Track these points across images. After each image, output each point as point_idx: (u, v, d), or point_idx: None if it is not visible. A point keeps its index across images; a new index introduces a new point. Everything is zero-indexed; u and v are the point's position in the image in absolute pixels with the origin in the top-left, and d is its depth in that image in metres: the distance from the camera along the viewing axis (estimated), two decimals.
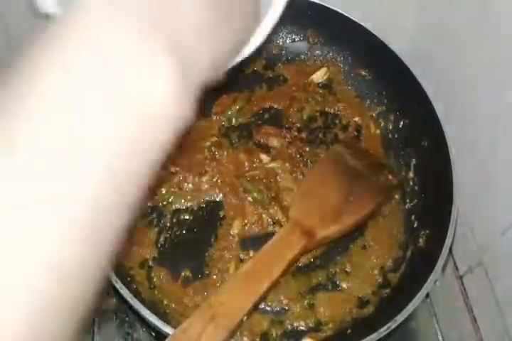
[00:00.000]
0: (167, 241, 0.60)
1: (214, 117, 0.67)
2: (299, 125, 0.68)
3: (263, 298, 0.54)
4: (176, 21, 0.26)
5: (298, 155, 0.65)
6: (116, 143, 0.23)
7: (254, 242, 0.60)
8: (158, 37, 0.24)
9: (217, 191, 0.62)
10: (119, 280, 0.50)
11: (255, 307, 0.54)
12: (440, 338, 0.66)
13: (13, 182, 0.21)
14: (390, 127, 0.68)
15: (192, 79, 0.26)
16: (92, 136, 0.22)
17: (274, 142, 0.65)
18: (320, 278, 0.59)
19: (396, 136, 0.67)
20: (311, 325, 0.57)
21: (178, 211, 0.61)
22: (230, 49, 0.31)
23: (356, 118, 0.69)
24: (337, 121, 0.69)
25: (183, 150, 0.60)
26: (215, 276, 0.58)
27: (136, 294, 0.51)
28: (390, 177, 0.65)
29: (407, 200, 0.64)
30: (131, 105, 0.23)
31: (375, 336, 0.50)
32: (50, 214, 0.21)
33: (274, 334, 0.56)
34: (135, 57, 0.23)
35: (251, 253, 0.59)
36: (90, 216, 0.22)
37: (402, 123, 0.67)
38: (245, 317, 0.51)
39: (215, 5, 0.28)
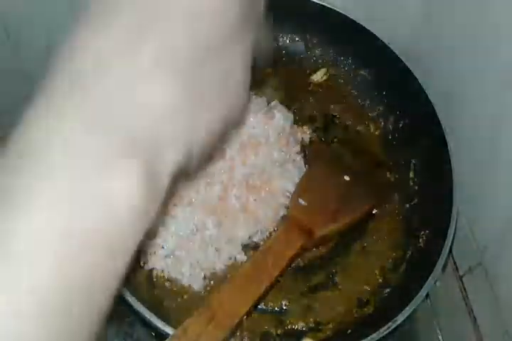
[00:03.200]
0: None
1: None
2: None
3: (263, 297, 0.54)
4: (132, 117, 0.25)
5: None
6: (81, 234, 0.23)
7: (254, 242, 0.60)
8: (113, 140, 0.24)
9: None
10: None
11: (255, 307, 0.54)
12: (440, 338, 0.66)
13: None
14: (390, 127, 0.68)
15: (159, 174, 0.26)
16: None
17: None
18: (320, 278, 0.59)
19: (396, 136, 0.67)
20: (311, 325, 0.57)
21: None
22: (209, 137, 0.30)
23: (356, 118, 0.69)
24: (337, 121, 0.69)
25: None
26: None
27: (136, 294, 0.51)
28: (388, 175, 0.66)
29: (407, 200, 0.64)
30: (99, 204, 0.24)
31: (375, 336, 0.50)
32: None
33: (274, 334, 0.56)
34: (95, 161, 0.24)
35: (251, 253, 0.59)
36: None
37: (402, 123, 0.67)
38: (245, 317, 0.51)
39: (181, 93, 0.27)
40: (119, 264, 0.25)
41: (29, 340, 0.22)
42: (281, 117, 0.64)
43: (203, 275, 0.57)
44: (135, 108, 0.25)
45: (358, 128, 0.69)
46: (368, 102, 0.70)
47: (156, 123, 0.26)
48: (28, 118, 0.25)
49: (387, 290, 0.58)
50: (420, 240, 0.60)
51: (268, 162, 0.60)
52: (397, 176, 0.66)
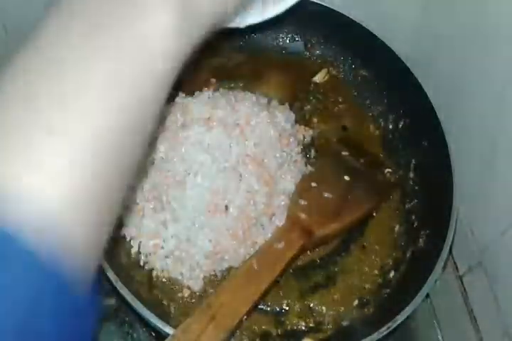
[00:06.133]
0: None
1: None
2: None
3: (263, 297, 0.54)
4: None
5: None
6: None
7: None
8: None
9: None
10: (119, 280, 0.50)
11: (255, 307, 0.54)
12: (440, 338, 0.66)
13: None
14: (390, 127, 0.68)
15: (194, 14, 0.28)
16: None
17: None
18: (320, 278, 0.59)
19: (396, 136, 0.67)
20: (311, 324, 0.57)
21: None
22: None
23: (356, 118, 0.69)
24: (337, 121, 0.69)
25: None
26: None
27: (136, 294, 0.51)
28: (388, 175, 0.66)
29: (407, 200, 0.64)
30: (134, 39, 0.25)
31: (375, 336, 0.50)
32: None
33: (274, 334, 0.56)
34: None
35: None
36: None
37: (402, 123, 0.67)
38: (245, 317, 0.51)
39: None
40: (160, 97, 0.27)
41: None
42: (282, 117, 0.64)
43: (202, 275, 0.57)
44: None
45: (358, 128, 0.69)
46: (368, 102, 0.70)
47: None
48: None
49: (387, 290, 0.58)
50: (420, 240, 0.59)
51: (269, 162, 0.60)
52: (397, 176, 0.66)
